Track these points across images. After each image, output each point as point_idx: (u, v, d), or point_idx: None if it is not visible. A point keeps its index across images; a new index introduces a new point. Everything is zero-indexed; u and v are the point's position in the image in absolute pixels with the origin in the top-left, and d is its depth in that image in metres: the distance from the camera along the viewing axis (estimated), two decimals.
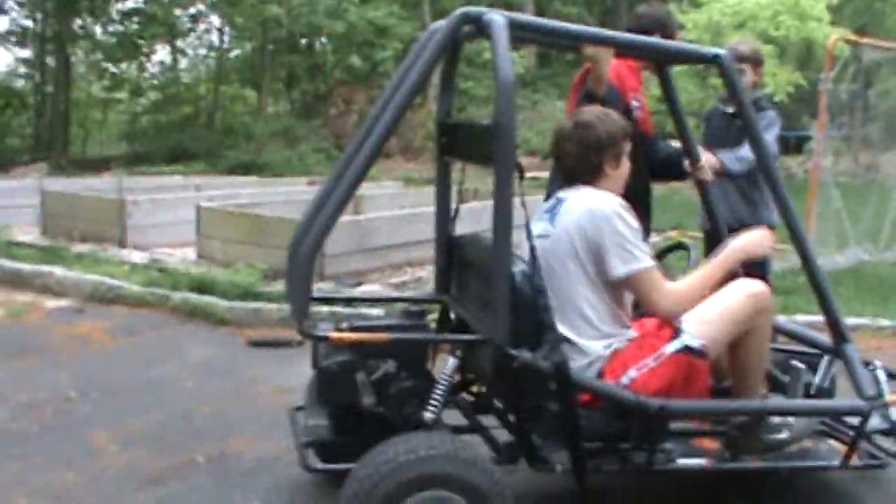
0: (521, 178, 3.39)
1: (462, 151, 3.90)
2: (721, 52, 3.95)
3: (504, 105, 3.20)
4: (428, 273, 9.19)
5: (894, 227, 11.38)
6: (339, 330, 3.54)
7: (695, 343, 3.65)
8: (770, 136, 5.69)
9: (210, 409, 5.34)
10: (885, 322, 7.76)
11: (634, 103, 4.96)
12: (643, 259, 3.55)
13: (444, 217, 4.20)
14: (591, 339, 3.59)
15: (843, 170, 18.72)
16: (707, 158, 5.08)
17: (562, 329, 3.51)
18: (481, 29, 3.45)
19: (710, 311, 3.77)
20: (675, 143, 4.97)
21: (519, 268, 3.48)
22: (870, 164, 18.66)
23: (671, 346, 3.64)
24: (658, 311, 3.64)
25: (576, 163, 3.76)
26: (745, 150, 5.58)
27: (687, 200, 14.42)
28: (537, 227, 3.68)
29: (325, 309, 6.65)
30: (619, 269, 3.52)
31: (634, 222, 3.59)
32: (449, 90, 4.10)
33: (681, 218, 12.58)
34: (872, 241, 11.21)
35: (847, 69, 10.61)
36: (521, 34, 3.59)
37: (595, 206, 3.59)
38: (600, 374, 3.57)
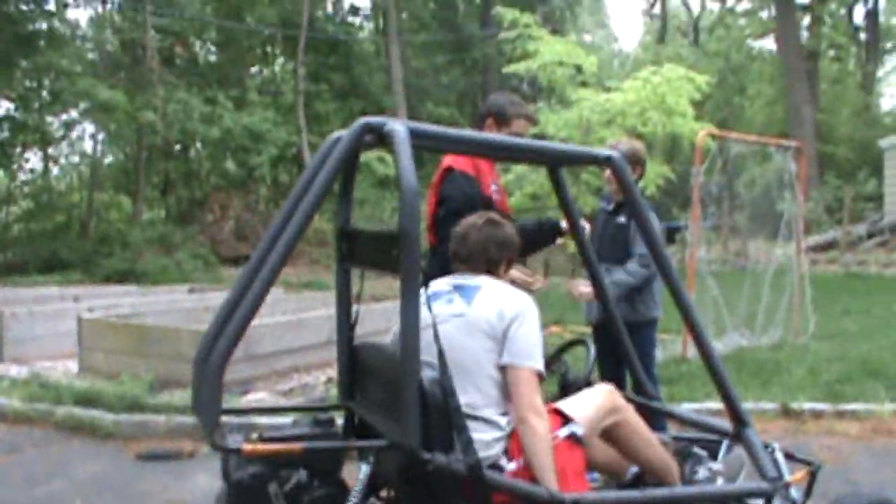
0: (426, 285, 3.46)
1: (364, 258, 3.94)
2: (613, 153, 4.09)
3: (408, 212, 3.25)
4: (315, 379, 9.15)
5: (768, 313, 11.73)
6: (250, 441, 3.51)
7: (580, 432, 3.84)
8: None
9: None
10: (767, 405, 7.98)
11: (493, 187, 5.12)
12: (539, 363, 3.74)
13: (345, 323, 4.21)
14: (497, 415, 3.71)
15: (714, 258, 19.31)
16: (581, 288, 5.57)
17: (470, 403, 3.61)
18: (382, 138, 3.52)
19: (580, 406, 3.97)
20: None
21: (426, 372, 3.51)
22: (739, 250, 19.30)
23: (563, 431, 3.80)
24: (522, 413, 3.66)
25: (479, 252, 3.98)
26: (622, 276, 5.83)
27: (566, 295, 14.64)
28: (448, 308, 3.82)
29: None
30: (516, 360, 3.69)
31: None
32: (347, 198, 4.15)
33: (561, 313, 12.75)
34: (748, 326, 11.54)
35: (715, 162, 11.01)
36: (420, 142, 3.68)
37: (515, 298, 3.82)
38: (506, 452, 3.69)
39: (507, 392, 3.74)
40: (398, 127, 3.43)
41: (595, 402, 4.02)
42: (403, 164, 3.32)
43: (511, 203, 17.10)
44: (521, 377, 3.68)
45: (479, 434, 3.60)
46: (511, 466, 3.68)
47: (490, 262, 4.00)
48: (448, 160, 5.08)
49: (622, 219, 6.08)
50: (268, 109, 29.31)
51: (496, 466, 3.66)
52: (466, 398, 3.61)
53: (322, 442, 3.65)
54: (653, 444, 4.19)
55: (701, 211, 11.10)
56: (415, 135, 3.49)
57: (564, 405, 3.96)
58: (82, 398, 7.78)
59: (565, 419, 3.87)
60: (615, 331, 4.71)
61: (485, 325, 3.71)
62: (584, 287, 5.91)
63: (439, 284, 3.99)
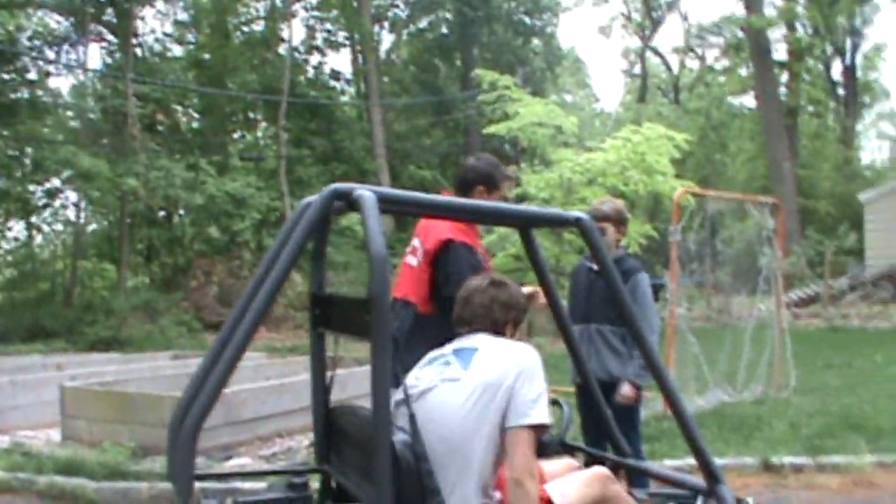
0: (397, 349, 3.50)
1: (337, 323, 3.97)
2: (582, 215, 4.13)
3: (378, 278, 3.28)
4: (298, 443, 9.13)
5: (749, 368, 11.77)
6: None
7: None
8: (648, 301, 5.97)
9: None
10: (748, 460, 8.01)
11: (479, 257, 5.15)
12: (540, 416, 3.63)
13: (320, 387, 4.23)
14: (477, 490, 3.61)
15: (697, 315, 19.40)
16: (621, 391, 5.74)
17: (451, 479, 3.55)
18: (352, 204, 3.57)
19: (569, 491, 3.89)
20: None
21: (399, 436, 3.53)
22: (722, 307, 19.37)
23: None
24: (516, 475, 3.56)
25: (483, 315, 3.92)
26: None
27: (552, 357, 14.68)
28: (443, 372, 3.74)
29: (198, 485, 6.54)
30: (515, 420, 3.58)
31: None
32: (320, 263, 4.19)
33: (548, 375, 12.73)
34: (730, 382, 11.58)
35: (693, 220, 11.12)
36: (390, 207, 3.73)
37: (516, 352, 3.73)
38: None
39: (496, 463, 3.66)
40: (366, 193, 3.48)
41: (584, 493, 3.94)
42: (372, 229, 3.35)
43: (494, 264, 17.18)
44: (519, 438, 3.58)
45: None
46: None
47: (495, 323, 3.94)
48: (446, 232, 5.09)
49: None
50: (250, 175, 29.43)
51: None
52: (448, 473, 3.55)
53: None
54: None
55: (683, 268, 11.19)
56: (383, 200, 3.54)
57: (553, 491, 3.87)
58: (64, 467, 7.75)
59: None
60: (592, 392, 4.75)
61: (481, 388, 3.60)
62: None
63: (440, 350, 3.93)
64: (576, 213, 4.17)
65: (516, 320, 4.01)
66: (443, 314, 4.84)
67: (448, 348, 3.89)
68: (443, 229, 5.10)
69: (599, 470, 4.19)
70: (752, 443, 8.66)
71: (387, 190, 3.72)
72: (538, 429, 3.65)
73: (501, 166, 5.39)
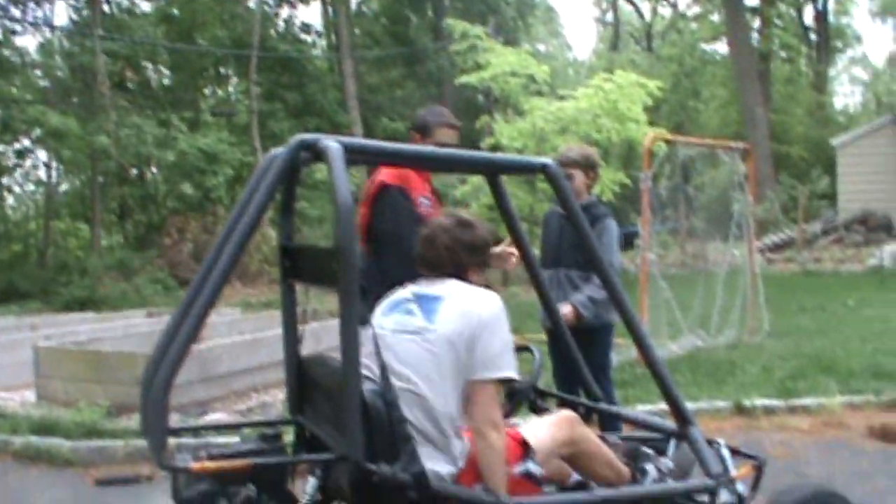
0: (365, 298, 3.50)
1: (306, 274, 3.97)
2: (548, 161, 4.13)
3: (345, 228, 3.29)
4: (273, 398, 9.15)
5: (723, 314, 11.85)
6: (198, 460, 3.53)
7: (538, 472, 3.79)
8: (613, 247, 5.95)
9: None
10: (721, 404, 8.09)
11: (424, 201, 5.16)
12: (505, 369, 3.62)
13: (292, 339, 4.24)
14: (451, 437, 3.62)
15: (672, 261, 19.47)
16: (562, 310, 5.49)
17: (422, 427, 3.56)
18: (318, 155, 3.56)
19: (538, 433, 3.94)
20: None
21: (368, 385, 3.54)
22: (696, 253, 19.43)
23: (519, 468, 3.75)
24: (479, 426, 3.57)
25: (446, 258, 3.81)
26: (595, 289, 5.85)
27: (523, 304, 14.74)
28: (407, 320, 3.71)
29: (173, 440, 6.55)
30: (477, 373, 3.57)
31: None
32: (289, 215, 4.18)
33: (519, 321, 12.75)
34: (704, 327, 11.66)
35: (665, 166, 11.13)
36: (356, 157, 3.72)
37: (480, 302, 3.66)
38: (459, 477, 3.62)
39: (462, 409, 3.66)
40: (332, 143, 3.47)
41: (553, 435, 3.97)
42: (338, 179, 3.35)
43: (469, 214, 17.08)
44: (481, 390, 3.57)
45: (431, 464, 3.55)
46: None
47: (459, 266, 3.82)
48: (383, 175, 5.12)
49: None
50: (222, 130, 29.27)
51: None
52: (418, 421, 3.56)
53: (268, 457, 3.68)
54: (609, 463, 4.18)
55: (655, 215, 11.22)
56: (350, 150, 3.53)
57: (527, 432, 3.91)
58: (39, 427, 7.73)
59: (524, 449, 3.82)
60: (563, 338, 4.78)
61: (446, 343, 3.57)
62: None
63: (401, 292, 3.88)
64: (543, 159, 4.17)
65: (481, 263, 3.92)
66: (377, 258, 4.88)
67: (410, 292, 3.84)
68: (383, 173, 5.14)
69: (567, 413, 4.23)
70: (724, 387, 8.73)
71: (353, 140, 3.72)
72: (503, 380, 3.66)
73: (442, 114, 5.39)
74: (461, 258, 3.81)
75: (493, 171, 4.41)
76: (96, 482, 6.71)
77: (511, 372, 3.64)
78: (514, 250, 5.15)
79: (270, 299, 19.86)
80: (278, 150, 3.68)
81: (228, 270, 3.48)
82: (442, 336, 3.58)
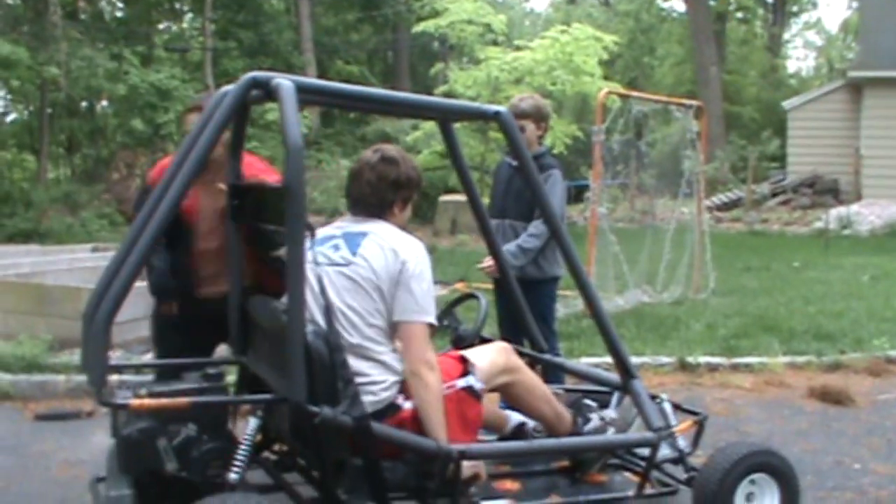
0: (312, 237, 3.48)
1: (254, 213, 3.94)
2: (501, 109, 4.12)
3: (294, 168, 3.27)
4: None
5: (670, 270, 11.93)
6: (138, 397, 3.50)
7: (478, 385, 3.85)
8: (558, 197, 5.93)
9: None
10: (665, 359, 8.16)
11: None
12: (430, 315, 3.69)
13: (237, 279, 4.21)
14: (390, 358, 3.70)
15: (621, 216, 19.59)
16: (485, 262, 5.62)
17: (356, 357, 3.59)
18: (269, 93, 3.52)
19: (476, 359, 4.00)
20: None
21: (310, 327, 3.53)
22: (646, 209, 19.56)
23: (461, 382, 3.82)
24: (413, 367, 3.64)
25: (370, 193, 3.84)
26: (527, 239, 5.86)
27: (472, 253, 14.77)
28: (332, 254, 3.74)
29: (115, 377, 6.50)
30: (406, 315, 3.64)
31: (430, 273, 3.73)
32: (238, 153, 4.13)
33: (466, 271, 12.80)
34: (650, 283, 11.73)
35: (618, 121, 11.12)
36: (308, 97, 3.68)
37: (404, 246, 3.71)
38: (402, 392, 3.70)
39: (393, 339, 3.74)
40: (285, 82, 3.43)
41: (490, 359, 4.06)
42: (289, 118, 3.32)
43: (420, 161, 17.12)
44: (413, 332, 3.64)
45: (374, 376, 3.62)
46: (408, 406, 3.70)
47: (382, 202, 3.85)
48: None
49: None
50: (175, 67, 28.88)
51: (394, 406, 3.69)
52: (357, 342, 3.61)
53: (209, 396, 3.66)
54: (548, 399, 4.25)
55: (607, 169, 11.23)
56: (302, 89, 3.49)
57: (468, 354, 4.00)
58: None
59: (465, 368, 3.89)
60: (509, 288, 4.80)
61: (370, 278, 3.64)
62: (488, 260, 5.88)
63: (328, 229, 3.91)
64: (496, 107, 4.16)
65: (405, 198, 3.93)
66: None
67: (338, 229, 3.87)
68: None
69: (503, 343, 4.36)
70: (669, 343, 8.79)
71: (306, 79, 3.68)
72: (430, 326, 3.70)
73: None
74: (385, 194, 3.85)
75: (445, 117, 4.39)
76: (36, 417, 6.65)
77: (434, 318, 3.72)
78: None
79: None
80: (229, 87, 3.63)
81: (175, 205, 3.45)
82: (364, 271, 3.64)
